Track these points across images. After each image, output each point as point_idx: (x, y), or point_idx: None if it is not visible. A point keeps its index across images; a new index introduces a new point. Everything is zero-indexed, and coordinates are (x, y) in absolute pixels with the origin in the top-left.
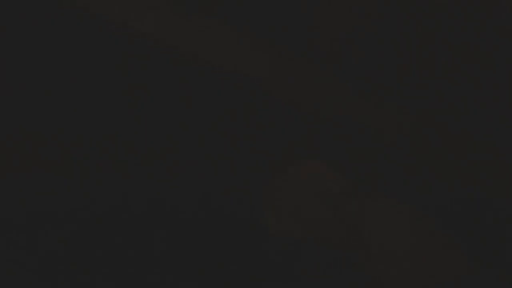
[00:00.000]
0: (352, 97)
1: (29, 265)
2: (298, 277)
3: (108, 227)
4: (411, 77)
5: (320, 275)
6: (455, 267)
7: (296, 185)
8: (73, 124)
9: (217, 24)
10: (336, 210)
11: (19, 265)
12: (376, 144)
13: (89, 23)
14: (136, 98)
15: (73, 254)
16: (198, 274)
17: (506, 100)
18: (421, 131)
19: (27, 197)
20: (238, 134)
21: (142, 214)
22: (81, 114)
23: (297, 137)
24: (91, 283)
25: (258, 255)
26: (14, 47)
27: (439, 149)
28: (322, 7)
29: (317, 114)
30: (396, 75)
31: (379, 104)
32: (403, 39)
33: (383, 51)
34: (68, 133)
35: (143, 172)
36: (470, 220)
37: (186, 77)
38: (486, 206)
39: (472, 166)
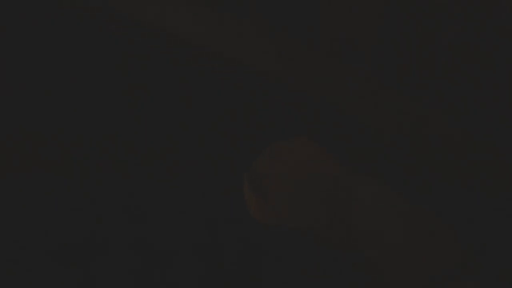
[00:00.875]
0: (352, 97)
1: (29, 265)
2: (295, 274)
3: (108, 227)
4: (411, 77)
5: (314, 270)
6: (453, 263)
7: (285, 165)
8: (73, 124)
9: (220, 17)
10: (330, 196)
11: (19, 265)
12: (376, 144)
13: (89, 23)
14: (136, 98)
15: (73, 254)
16: (198, 273)
17: (506, 100)
18: (421, 131)
19: (27, 197)
20: (238, 134)
21: (142, 214)
22: (81, 114)
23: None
24: (91, 283)
25: (258, 255)
26: (14, 47)
27: (439, 149)
28: (323, 7)
29: (318, 115)
30: (396, 75)
31: (379, 104)
32: (403, 39)
33: (384, 51)
34: (68, 133)
35: (143, 172)
36: (470, 220)
37: (186, 77)
38: (486, 206)
39: (472, 166)
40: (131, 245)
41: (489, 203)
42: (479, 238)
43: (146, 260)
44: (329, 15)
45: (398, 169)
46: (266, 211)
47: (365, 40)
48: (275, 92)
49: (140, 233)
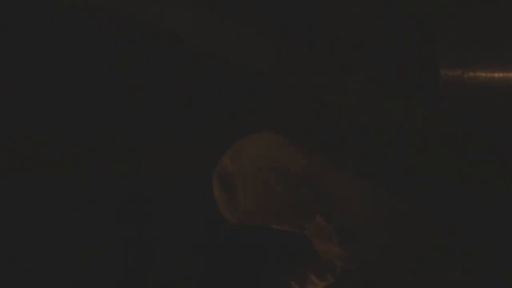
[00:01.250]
0: (352, 97)
1: (29, 265)
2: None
3: (108, 227)
4: (411, 77)
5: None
6: (429, 248)
7: (248, 161)
8: (73, 124)
9: (221, 18)
10: (297, 191)
11: (19, 265)
12: (376, 144)
13: (89, 23)
14: (136, 98)
15: (73, 254)
16: (198, 273)
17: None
18: (421, 131)
19: (27, 197)
20: (238, 134)
21: (142, 214)
22: (81, 114)
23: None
24: (91, 283)
25: (258, 255)
26: (14, 47)
27: (440, 149)
28: (323, 7)
29: (318, 115)
30: (396, 75)
31: (379, 104)
32: (403, 39)
33: (384, 51)
34: (68, 133)
35: (143, 172)
36: (469, 220)
37: (186, 77)
38: (486, 206)
39: (472, 166)
40: (131, 245)
41: (489, 203)
42: (479, 238)
43: (146, 260)
44: (329, 15)
45: (398, 169)
46: (234, 210)
47: (365, 40)
48: (275, 92)
49: (140, 233)
